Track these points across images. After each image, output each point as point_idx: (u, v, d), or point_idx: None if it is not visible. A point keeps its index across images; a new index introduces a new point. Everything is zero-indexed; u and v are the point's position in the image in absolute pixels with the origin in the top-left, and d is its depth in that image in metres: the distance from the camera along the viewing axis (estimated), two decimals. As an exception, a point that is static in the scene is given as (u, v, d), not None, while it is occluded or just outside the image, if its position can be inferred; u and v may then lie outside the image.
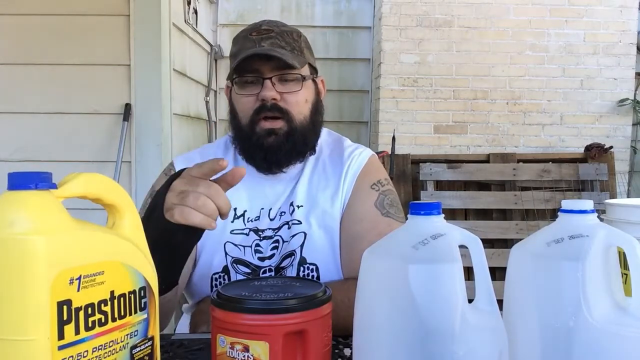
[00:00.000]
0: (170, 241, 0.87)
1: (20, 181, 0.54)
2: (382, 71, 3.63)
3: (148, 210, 0.90)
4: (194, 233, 0.89)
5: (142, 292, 0.62)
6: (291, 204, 1.18)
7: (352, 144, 1.29)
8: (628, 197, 3.73)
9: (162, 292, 0.96)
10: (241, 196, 1.18)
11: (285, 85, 1.14)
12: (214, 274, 1.15)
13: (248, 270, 1.15)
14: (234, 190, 0.89)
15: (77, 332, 0.54)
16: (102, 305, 0.57)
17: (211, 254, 1.16)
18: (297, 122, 1.15)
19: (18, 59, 2.47)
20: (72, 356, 0.54)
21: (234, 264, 1.15)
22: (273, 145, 1.13)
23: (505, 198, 3.36)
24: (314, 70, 1.22)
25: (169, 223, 0.85)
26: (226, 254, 1.15)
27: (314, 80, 1.21)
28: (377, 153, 1.19)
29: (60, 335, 0.52)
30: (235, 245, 1.16)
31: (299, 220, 1.16)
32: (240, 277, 1.14)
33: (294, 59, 1.12)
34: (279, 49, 1.12)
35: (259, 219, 1.18)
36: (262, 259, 1.15)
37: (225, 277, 1.15)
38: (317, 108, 1.21)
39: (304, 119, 1.16)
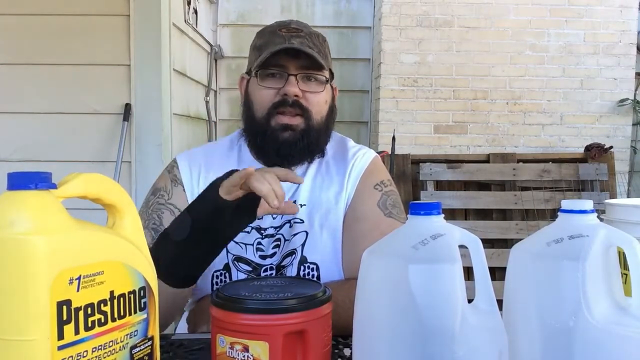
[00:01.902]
0: (218, 222, 0.93)
1: (20, 181, 0.54)
2: (382, 71, 3.63)
3: (197, 198, 0.97)
4: (243, 215, 0.95)
5: (141, 292, 0.62)
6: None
7: (356, 145, 1.29)
8: (628, 197, 3.73)
9: (184, 283, 1.00)
10: None
11: (307, 85, 1.15)
12: (215, 271, 1.15)
13: (249, 268, 1.15)
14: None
15: (77, 332, 0.54)
16: (102, 305, 0.57)
17: None
18: (314, 121, 1.16)
19: (18, 59, 2.47)
20: (72, 356, 0.54)
21: (235, 262, 1.15)
22: (288, 140, 1.14)
23: (505, 198, 3.36)
24: (331, 76, 1.23)
25: (221, 200, 0.90)
26: (228, 251, 1.15)
27: (330, 85, 1.23)
28: (377, 153, 1.20)
29: (60, 335, 0.52)
30: (237, 243, 1.16)
31: (301, 219, 1.16)
32: (241, 275, 1.14)
33: (322, 60, 1.14)
34: (308, 49, 1.13)
35: (262, 217, 1.18)
36: (263, 257, 1.15)
37: (226, 274, 1.15)
38: (332, 112, 1.23)
39: (320, 120, 1.18)
